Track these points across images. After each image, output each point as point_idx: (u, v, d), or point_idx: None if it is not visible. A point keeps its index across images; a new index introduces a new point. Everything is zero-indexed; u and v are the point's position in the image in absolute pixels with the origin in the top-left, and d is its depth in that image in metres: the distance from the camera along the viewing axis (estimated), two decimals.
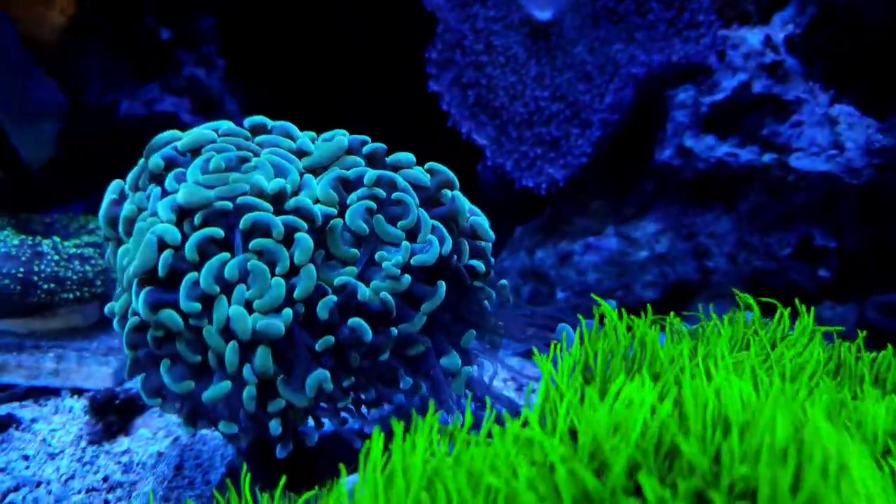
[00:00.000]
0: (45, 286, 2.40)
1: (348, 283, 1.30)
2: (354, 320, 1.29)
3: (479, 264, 1.49)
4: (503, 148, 2.63)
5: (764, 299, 1.64)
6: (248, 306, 1.23)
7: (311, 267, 1.26)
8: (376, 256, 1.32)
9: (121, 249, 1.35)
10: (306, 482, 1.54)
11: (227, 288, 1.24)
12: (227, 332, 1.23)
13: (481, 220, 1.54)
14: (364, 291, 1.29)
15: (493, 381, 2.38)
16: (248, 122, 1.57)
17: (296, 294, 1.24)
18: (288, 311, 1.22)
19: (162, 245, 1.22)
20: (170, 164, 1.40)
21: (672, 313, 1.57)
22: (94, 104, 3.49)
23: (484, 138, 2.65)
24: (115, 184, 1.47)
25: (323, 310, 1.26)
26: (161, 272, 1.23)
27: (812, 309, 1.59)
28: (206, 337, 1.20)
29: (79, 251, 2.52)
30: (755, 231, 2.42)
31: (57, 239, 2.53)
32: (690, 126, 2.46)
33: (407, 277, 1.31)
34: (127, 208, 1.37)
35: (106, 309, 1.42)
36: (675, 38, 2.49)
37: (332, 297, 1.27)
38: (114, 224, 1.42)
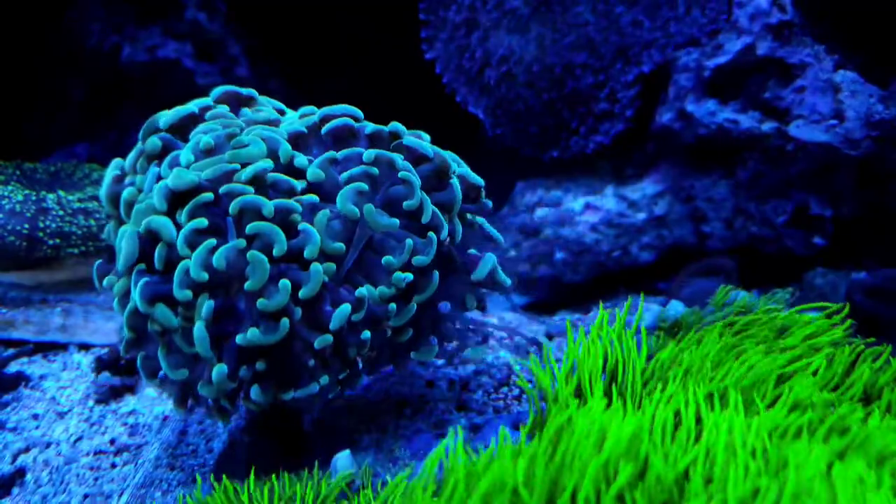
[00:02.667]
0: (51, 242, 2.44)
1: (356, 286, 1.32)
2: (365, 333, 1.32)
3: (484, 263, 1.53)
4: (499, 120, 2.63)
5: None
6: (248, 296, 1.26)
7: (318, 266, 1.28)
8: (383, 261, 1.34)
9: (120, 230, 1.38)
10: (302, 451, 1.61)
11: (217, 279, 1.26)
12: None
13: (467, 169, 1.56)
14: (370, 299, 1.32)
15: (491, 339, 2.44)
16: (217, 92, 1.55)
17: (301, 294, 1.26)
18: (285, 322, 1.25)
19: (153, 237, 1.26)
20: (167, 146, 1.41)
21: None
22: (95, 47, 3.47)
23: (481, 110, 2.65)
24: (116, 161, 1.49)
25: (336, 320, 1.28)
26: (158, 265, 1.26)
27: None
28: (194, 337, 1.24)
29: (83, 205, 2.55)
30: (752, 198, 2.43)
31: (62, 193, 2.56)
32: (692, 90, 2.45)
33: (406, 284, 1.34)
34: (128, 191, 1.39)
35: (105, 282, 1.46)
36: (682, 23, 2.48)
37: (347, 307, 1.29)
38: (115, 202, 1.45)
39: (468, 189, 1.54)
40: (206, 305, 1.22)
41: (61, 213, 2.46)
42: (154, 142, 1.40)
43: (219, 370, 1.24)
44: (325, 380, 1.31)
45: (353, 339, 1.31)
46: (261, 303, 1.23)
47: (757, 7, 2.45)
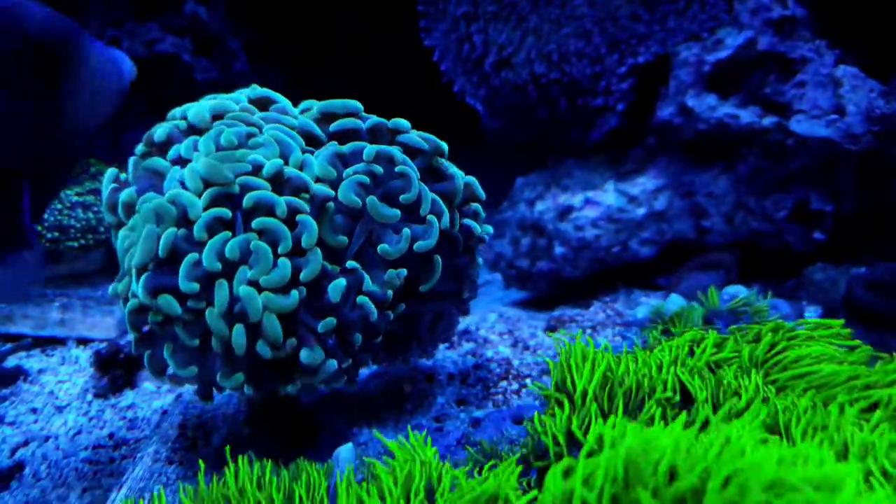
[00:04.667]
0: (49, 235, 2.43)
1: (356, 268, 1.32)
2: (361, 298, 1.33)
3: (473, 225, 1.53)
4: (497, 110, 2.63)
5: None
6: (253, 286, 1.26)
7: (318, 250, 1.28)
8: (378, 249, 1.34)
9: (122, 232, 1.37)
10: (305, 444, 1.61)
11: (228, 270, 1.26)
12: (230, 316, 1.26)
13: (475, 179, 1.57)
14: (369, 282, 1.32)
15: (491, 334, 2.44)
16: (251, 93, 1.56)
17: (302, 276, 1.27)
18: (295, 293, 1.25)
19: (179, 220, 1.26)
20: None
21: None
22: None
23: (479, 101, 2.64)
24: (111, 172, 1.47)
25: (335, 292, 1.28)
26: (161, 253, 1.25)
27: None
28: (208, 321, 1.23)
29: (81, 199, 2.55)
30: (752, 193, 2.43)
31: None
32: (693, 85, 2.44)
33: (401, 279, 1.35)
34: (125, 193, 1.38)
35: (109, 290, 1.45)
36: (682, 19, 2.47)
37: (342, 280, 1.30)
38: (115, 209, 1.44)
39: (469, 197, 1.55)
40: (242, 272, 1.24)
41: (59, 206, 2.45)
42: (204, 116, 1.40)
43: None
44: (328, 368, 1.31)
45: (356, 320, 1.31)
46: (264, 280, 1.23)
47: (758, 2, 2.44)
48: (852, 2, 2.47)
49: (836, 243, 2.43)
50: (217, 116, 1.43)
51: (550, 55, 2.53)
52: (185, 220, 1.28)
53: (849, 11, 2.48)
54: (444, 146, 1.49)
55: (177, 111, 1.48)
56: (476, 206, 1.59)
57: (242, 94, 1.53)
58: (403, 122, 1.50)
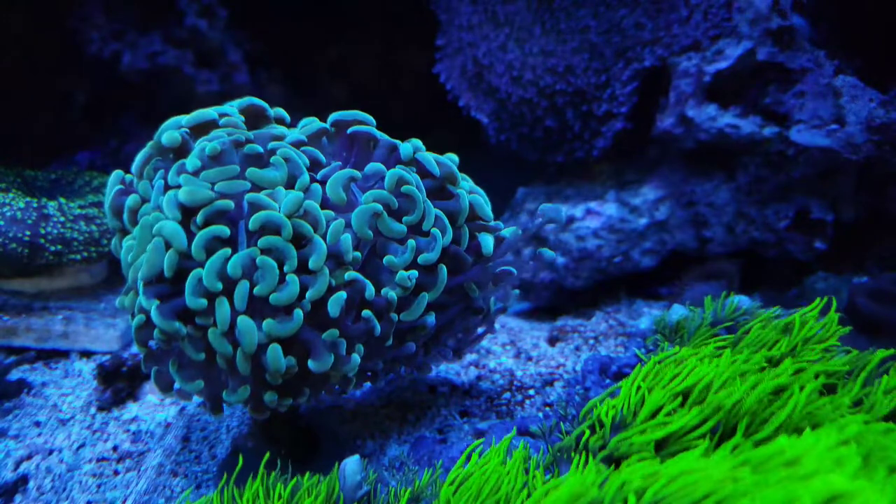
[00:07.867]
0: (53, 248, 2.44)
1: (357, 279, 1.33)
2: (366, 312, 1.33)
3: (484, 240, 1.54)
4: (504, 125, 2.63)
5: None
6: (257, 301, 1.26)
7: (326, 270, 1.29)
8: (384, 261, 1.35)
9: (125, 244, 1.38)
10: (307, 457, 1.61)
11: (230, 287, 1.26)
12: (232, 335, 1.26)
13: (479, 199, 1.58)
14: (371, 291, 1.33)
15: (493, 345, 2.44)
16: (241, 103, 1.55)
17: (309, 294, 1.27)
18: (299, 312, 1.25)
19: (168, 248, 1.25)
20: (180, 149, 1.41)
21: None
22: (95, 54, 3.47)
23: (484, 115, 2.65)
24: (116, 174, 1.48)
25: (334, 306, 1.29)
26: (167, 273, 1.26)
27: None
28: (211, 341, 1.24)
29: (84, 212, 2.55)
30: (753, 202, 2.44)
31: (63, 200, 2.56)
32: (693, 95, 2.45)
33: (413, 282, 1.35)
34: (131, 199, 1.39)
35: (117, 303, 1.46)
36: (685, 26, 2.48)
37: (342, 294, 1.30)
38: (120, 214, 1.44)
39: (475, 216, 1.56)
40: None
41: (62, 219, 2.46)
42: (174, 136, 1.39)
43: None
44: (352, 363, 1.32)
45: (360, 329, 1.32)
46: (273, 297, 1.23)
47: (757, 12, 2.45)
48: (851, 13, 2.48)
49: (837, 252, 2.44)
50: (196, 129, 1.43)
51: (556, 67, 2.54)
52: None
53: (848, 22, 2.49)
54: (457, 175, 1.50)
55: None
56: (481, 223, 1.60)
57: (232, 106, 1.53)
58: (419, 144, 1.52)
